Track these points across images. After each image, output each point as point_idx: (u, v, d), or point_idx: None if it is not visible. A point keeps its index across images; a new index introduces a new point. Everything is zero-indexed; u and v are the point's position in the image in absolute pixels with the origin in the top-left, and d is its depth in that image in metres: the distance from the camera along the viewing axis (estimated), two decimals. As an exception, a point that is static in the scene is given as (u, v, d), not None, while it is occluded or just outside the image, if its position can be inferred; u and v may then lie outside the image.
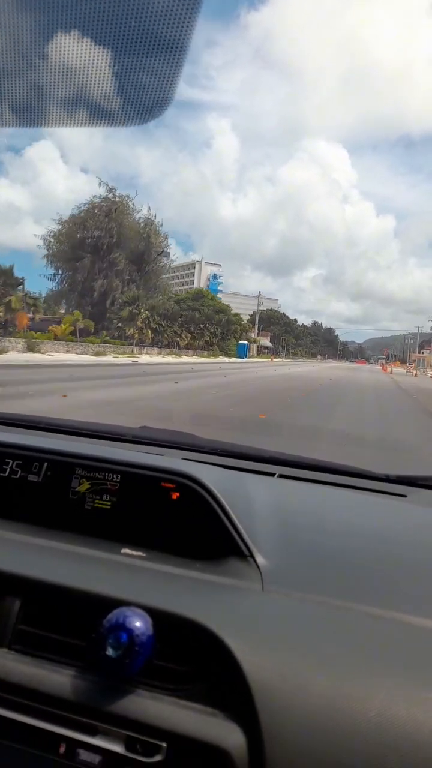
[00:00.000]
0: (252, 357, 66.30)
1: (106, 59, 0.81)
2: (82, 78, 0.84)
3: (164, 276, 47.30)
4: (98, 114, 0.89)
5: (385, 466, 1.39)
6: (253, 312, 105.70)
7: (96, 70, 0.83)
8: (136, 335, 38.75)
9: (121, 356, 30.78)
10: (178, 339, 44.06)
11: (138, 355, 33.56)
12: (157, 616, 0.60)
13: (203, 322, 47.95)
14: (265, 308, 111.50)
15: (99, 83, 0.84)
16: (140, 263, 43.44)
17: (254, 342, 71.21)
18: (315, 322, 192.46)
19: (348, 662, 0.57)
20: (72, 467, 0.87)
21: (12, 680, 0.60)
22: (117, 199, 43.27)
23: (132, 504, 0.83)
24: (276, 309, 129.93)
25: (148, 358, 33.45)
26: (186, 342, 45.04)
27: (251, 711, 0.53)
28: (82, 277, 41.89)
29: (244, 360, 51.09)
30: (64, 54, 0.82)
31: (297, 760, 0.50)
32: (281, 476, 1.23)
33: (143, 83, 0.83)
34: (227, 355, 51.56)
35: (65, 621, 0.65)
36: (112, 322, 39.30)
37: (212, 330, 48.76)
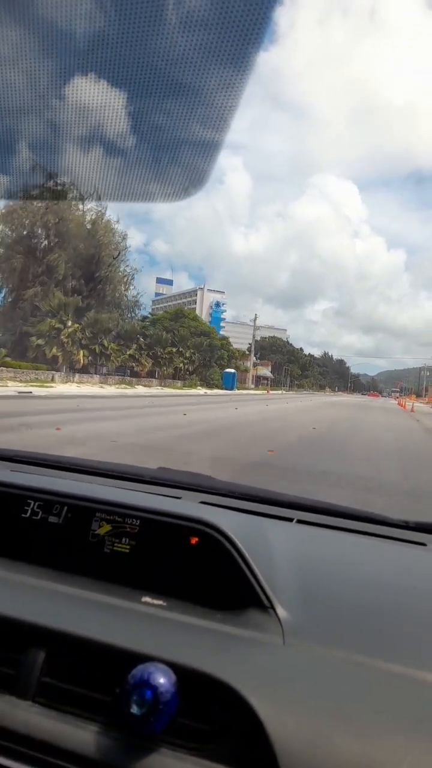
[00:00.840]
0: (247, 388, 57.01)
1: (148, 139, 0.89)
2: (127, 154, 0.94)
3: (130, 289, 38.27)
4: (136, 191, 0.98)
5: None
6: (255, 341, 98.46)
7: (139, 149, 0.90)
8: (60, 356, 29.93)
9: (23, 384, 21.56)
10: (134, 364, 34.97)
11: (57, 384, 24.38)
12: (179, 671, 0.60)
13: (176, 345, 38.99)
14: (266, 336, 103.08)
15: (139, 160, 0.93)
16: (89, 269, 34.45)
17: (246, 371, 62.07)
18: (325, 353, 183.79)
19: (373, 725, 0.55)
20: (92, 511, 0.89)
21: (35, 736, 0.59)
22: (59, 188, 34.81)
23: (151, 548, 0.85)
24: (285, 339, 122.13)
25: (73, 388, 24.29)
26: (147, 368, 36.00)
27: None
28: (14, 285, 33.49)
29: (231, 392, 41.93)
30: (106, 131, 0.89)
31: None
32: (299, 521, 1.23)
33: (184, 163, 0.92)
34: (209, 385, 42.44)
35: (89, 673, 0.65)
36: (29, 338, 30.48)
37: (188, 355, 39.67)
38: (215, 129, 0.81)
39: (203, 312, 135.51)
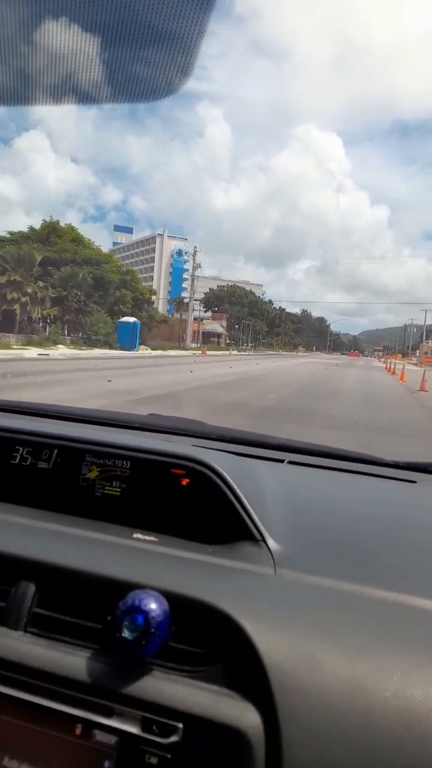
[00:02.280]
0: (180, 348, 43.05)
1: (120, 32, 0.82)
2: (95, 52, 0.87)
3: None
4: (118, 89, 0.91)
5: None
6: (209, 289, 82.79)
7: (112, 42, 0.84)
8: None
9: None
10: None
11: None
12: (172, 599, 0.60)
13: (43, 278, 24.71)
14: (225, 284, 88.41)
15: (115, 56, 0.87)
16: None
17: (177, 323, 47.89)
18: (304, 311, 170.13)
19: (363, 644, 0.57)
20: (82, 454, 0.89)
21: (28, 663, 0.60)
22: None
23: (142, 490, 0.85)
24: (260, 295, 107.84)
25: None
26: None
27: (267, 692, 0.53)
28: None
29: (129, 352, 28.61)
30: (68, 32, 0.82)
31: (312, 740, 0.50)
32: (290, 462, 1.24)
33: (163, 51, 0.86)
34: (90, 342, 28.41)
35: (80, 605, 0.65)
36: None
37: (31, 291, 25.49)
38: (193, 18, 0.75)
39: (163, 263, 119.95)
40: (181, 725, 0.54)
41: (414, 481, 1.18)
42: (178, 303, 64.52)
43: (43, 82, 0.89)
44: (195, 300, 55.22)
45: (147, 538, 0.77)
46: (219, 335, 64.97)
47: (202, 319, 63.74)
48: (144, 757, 0.54)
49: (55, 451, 0.90)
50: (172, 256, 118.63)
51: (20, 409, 1.41)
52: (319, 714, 0.51)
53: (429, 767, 0.48)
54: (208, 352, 41.66)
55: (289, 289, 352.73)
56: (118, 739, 0.55)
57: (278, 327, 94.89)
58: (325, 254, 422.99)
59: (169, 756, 0.53)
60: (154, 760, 0.54)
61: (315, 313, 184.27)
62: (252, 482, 0.88)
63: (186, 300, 55.49)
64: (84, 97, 0.89)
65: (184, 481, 0.82)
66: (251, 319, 74.79)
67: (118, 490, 0.85)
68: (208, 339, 60.74)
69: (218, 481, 0.79)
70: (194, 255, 49.89)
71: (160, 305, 66.63)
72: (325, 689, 0.52)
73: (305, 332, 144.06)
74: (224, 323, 67.73)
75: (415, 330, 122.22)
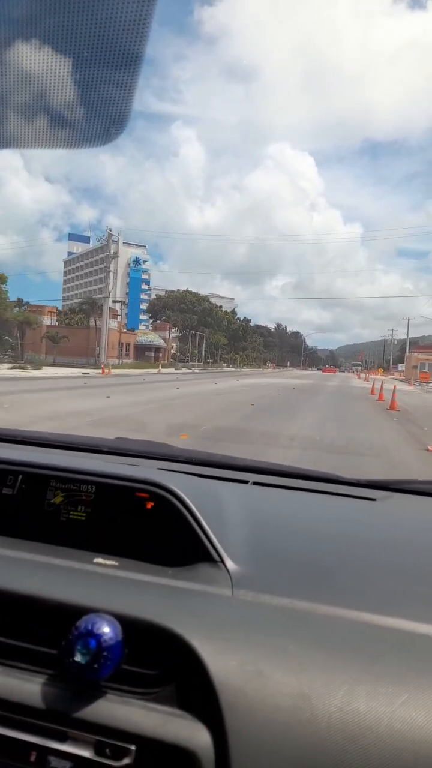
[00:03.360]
0: (101, 364, 31.22)
1: (61, 76, 0.82)
2: (39, 94, 0.88)
3: None
4: (56, 136, 0.92)
5: None
6: (155, 296, 71.43)
7: (53, 87, 0.84)
8: None
9: None
10: None
11: None
12: (126, 622, 0.61)
13: None
14: (177, 290, 76.76)
15: (56, 100, 0.87)
16: None
17: (95, 330, 35.91)
18: (278, 325, 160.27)
19: (310, 659, 0.58)
20: (47, 479, 0.89)
21: None
22: None
23: (107, 514, 0.85)
24: (229, 310, 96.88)
25: None
26: None
27: (216, 711, 0.54)
28: None
29: None
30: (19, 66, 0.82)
31: (261, 757, 0.50)
32: (255, 483, 1.25)
33: (102, 99, 0.87)
34: None
35: (37, 631, 0.65)
36: None
37: None
38: (129, 62, 0.76)
39: (119, 273, 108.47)
40: (133, 747, 0.54)
41: (374, 499, 1.20)
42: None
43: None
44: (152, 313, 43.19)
45: (107, 562, 0.77)
46: (158, 348, 52.84)
47: (131, 330, 51.58)
48: None
49: (20, 477, 0.89)
50: (129, 265, 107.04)
51: None
52: (266, 730, 0.52)
53: None
54: (134, 371, 29.99)
55: (266, 306, 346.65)
56: (72, 765, 0.55)
57: (243, 341, 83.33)
58: (300, 271, 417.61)
59: None
60: None
61: (292, 329, 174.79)
62: (213, 504, 0.90)
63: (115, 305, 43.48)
64: (20, 141, 0.89)
65: (149, 505, 0.83)
66: (205, 330, 63.10)
67: (84, 514, 0.86)
68: (143, 353, 48.84)
69: (178, 504, 0.80)
70: (109, 237, 38.21)
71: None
72: (271, 706, 0.53)
73: (278, 347, 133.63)
74: (168, 334, 55.68)
75: (396, 342, 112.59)
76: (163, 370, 38.02)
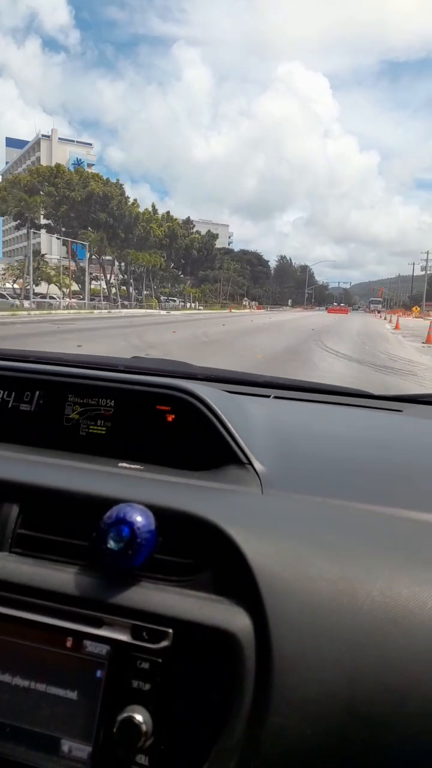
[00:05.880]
0: None
1: None
2: None
3: None
4: None
5: None
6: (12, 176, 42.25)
7: None
8: None
9: None
10: None
11: None
12: (158, 512, 0.60)
13: None
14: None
15: None
16: None
17: None
18: (282, 258, 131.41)
19: (350, 548, 0.58)
20: (64, 394, 0.87)
21: (14, 580, 0.60)
22: None
23: (127, 427, 0.84)
24: (226, 240, 69.25)
25: None
26: None
27: (255, 595, 0.53)
28: None
29: None
30: None
31: (301, 638, 0.51)
32: (276, 398, 1.23)
33: None
34: None
35: (66, 524, 0.65)
36: None
37: None
38: None
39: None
40: (171, 631, 0.54)
41: (400, 410, 1.19)
42: None
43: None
44: None
45: (133, 466, 0.77)
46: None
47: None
48: (135, 664, 0.54)
49: (37, 392, 0.89)
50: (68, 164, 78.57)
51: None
52: (308, 613, 0.52)
53: (416, 659, 0.49)
54: None
55: (278, 242, 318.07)
56: (109, 648, 0.55)
57: (207, 268, 55.63)
58: (313, 205, 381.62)
59: (160, 660, 0.54)
60: (145, 666, 0.54)
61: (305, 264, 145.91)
62: (238, 412, 0.88)
63: None
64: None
65: (170, 417, 0.81)
66: (94, 235, 34.87)
67: (103, 428, 0.84)
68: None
69: (203, 408, 0.79)
70: None
71: None
72: (312, 590, 0.53)
73: (275, 281, 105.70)
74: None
75: (414, 278, 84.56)
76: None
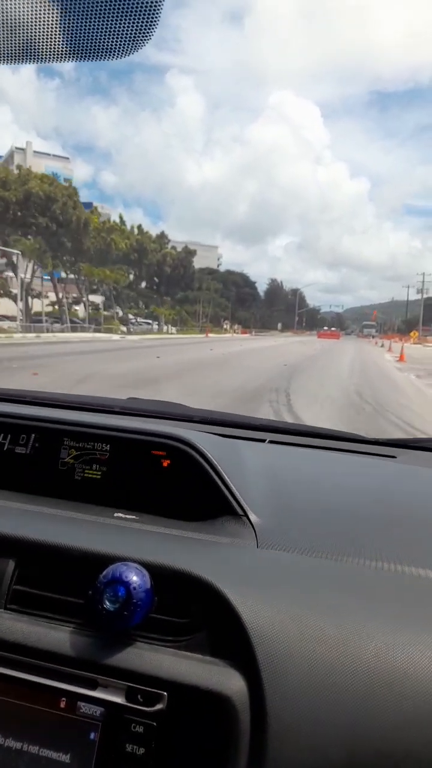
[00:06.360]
0: None
1: None
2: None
3: None
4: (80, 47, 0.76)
5: None
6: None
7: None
8: None
9: None
10: None
11: None
12: (153, 570, 0.60)
13: None
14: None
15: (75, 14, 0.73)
16: None
17: None
18: (273, 281, 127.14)
19: (344, 608, 0.57)
20: (60, 437, 0.87)
21: (9, 639, 0.59)
22: None
23: (122, 473, 0.84)
24: (214, 262, 64.79)
25: None
26: None
27: (250, 657, 0.53)
28: None
29: None
30: None
31: (298, 703, 0.50)
32: (271, 442, 1.23)
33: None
34: None
35: (61, 581, 0.64)
36: None
37: None
38: None
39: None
40: (165, 693, 0.53)
41: (394, 456, 1.18)
42: None
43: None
44: None
45: (128, 516, 0.76)
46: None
47: None
48: (130, 727, 0.53)
49: (33, 435, 0.88)
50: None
51: None
52: (304, 676, 0.51)
53: (409, 726, 0.48)
54: None
55: (271, 267, 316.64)
56: (104, 710, 0.54)
57: (185, 288, 50.52)
58: (304, 230, 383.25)
59: (154, 724, 0.53)
60: (140, 729, 0.53)
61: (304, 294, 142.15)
62: (233, 459, 0.87)
63: None
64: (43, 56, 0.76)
65: (165, 463, 0.81)
66: (37, 240, 29.23)
67: (99, 473, 0.83)
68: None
69: (198, 458, 0.78)
70: None
71: None
72: (309, 652, 0.52)
73: (265, 305, 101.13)
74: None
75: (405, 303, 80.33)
76: None
